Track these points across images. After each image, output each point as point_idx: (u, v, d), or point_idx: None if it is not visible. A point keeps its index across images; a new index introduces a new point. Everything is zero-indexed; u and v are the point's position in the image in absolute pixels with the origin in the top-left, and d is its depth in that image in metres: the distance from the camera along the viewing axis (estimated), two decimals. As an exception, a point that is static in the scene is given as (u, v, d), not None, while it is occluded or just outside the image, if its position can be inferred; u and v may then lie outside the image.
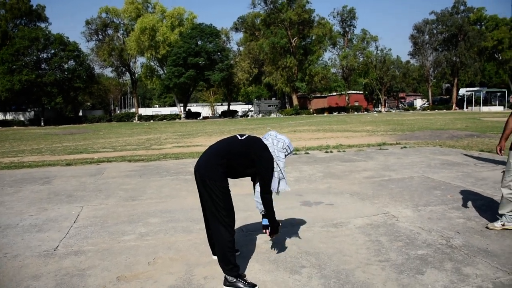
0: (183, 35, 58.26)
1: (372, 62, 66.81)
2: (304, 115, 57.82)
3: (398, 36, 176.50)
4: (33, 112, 58.26)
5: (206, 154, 3.41)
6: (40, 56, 54.20)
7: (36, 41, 51.60)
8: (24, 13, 58.02)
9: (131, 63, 65.89)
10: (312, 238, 4.32)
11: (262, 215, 3.68)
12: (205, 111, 76.53)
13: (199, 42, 57.76)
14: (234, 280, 3.18)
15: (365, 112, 62.92)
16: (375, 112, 63.97)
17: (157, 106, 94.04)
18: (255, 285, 3.18)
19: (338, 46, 70.19)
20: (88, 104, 77.76)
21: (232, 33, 73.38)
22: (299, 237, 4.35)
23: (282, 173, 3.52)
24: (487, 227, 4.32)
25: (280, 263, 3.66)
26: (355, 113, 61.42)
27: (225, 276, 3.23)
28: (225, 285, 3.21)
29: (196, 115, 63.00)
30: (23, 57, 51.63)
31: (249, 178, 3.75)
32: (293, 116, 55.97)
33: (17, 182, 8.15)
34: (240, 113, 68.77)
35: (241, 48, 70.82)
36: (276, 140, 3.52)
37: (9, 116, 57.14)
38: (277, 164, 3.48)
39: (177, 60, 55.89)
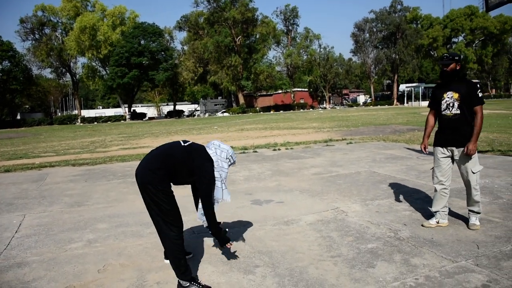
0: (125, 35, 56.91)
1: (315, 60, 68.32)
2: (250, 113, 58.17)
3: (340, 34, 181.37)
4: (-36, 116, 54.81)
5: (146, 159, 3.32)
6: (-29, 57, 51.07)
7: (-35, 41, 48.55)
8: (-49, 11, 54.31)
9: (72, 64, 63.56)
10: (264, 236, 4.33)
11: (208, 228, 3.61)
12: (150, 111, 75.18)
13: (142, 42, 56.70)
14: (188, 284, 3.13)
15: (311, 109, 64.17)
16: (320, 109, 65.41)
17: (101, 107, 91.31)
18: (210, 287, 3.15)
19: (282, 44, 71.33)
20: (27, 106, 74.14)
21: (175, 32, 72.53)
22: (251, 237, 4.35)
23: (224, 183, 3.49)
24: (422, 225, 4.48)
25: (234, 264, 3.65)
26: (301, 110, 62.50)
27: (178, 281, 3.17)
28: (179, 289, 3.15)
29: (142, 115, 61.76)
30: (-49, 58, 48.44)
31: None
32: (239, 114, 56.14)
33: (-51, 192, 7.61)
34: (186, 113, 68.17)
35: (185, 47, 70.14)
36: (219, 149, 3.49)
37: None
38: (220, 175, 3.44)
39: (119, 60, 54.52)
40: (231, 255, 3.83)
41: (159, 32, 59.55)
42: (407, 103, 61.75)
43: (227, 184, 3.55)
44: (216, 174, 3.42)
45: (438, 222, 4.46)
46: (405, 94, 63.10)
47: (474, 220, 4.37)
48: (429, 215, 4.82)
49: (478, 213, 4.38)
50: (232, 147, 12.43)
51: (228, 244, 3.49)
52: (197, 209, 3.66)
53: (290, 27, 72.69)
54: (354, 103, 74.67)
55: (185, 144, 3.41)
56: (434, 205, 4.51)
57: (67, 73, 65.31)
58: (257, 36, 63.61)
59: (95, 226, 4.96)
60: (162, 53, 58.84)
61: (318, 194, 6.15)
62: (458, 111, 4.24)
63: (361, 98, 79.60)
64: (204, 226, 3.64)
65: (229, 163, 3.53)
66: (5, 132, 39.33)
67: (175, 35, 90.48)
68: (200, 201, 3.50)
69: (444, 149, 4.41)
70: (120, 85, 56.07)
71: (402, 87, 66.82)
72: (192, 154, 3.35)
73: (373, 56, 69.06)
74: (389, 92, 75.99)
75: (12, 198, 6.79)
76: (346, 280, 3.23)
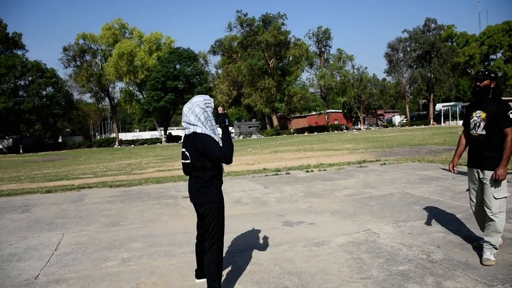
0: (161, 60, 58.58)
1: (349, 81, 68.02)
2: (284, 135, 58.21)
3: (373, 54, 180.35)
4: (11, 139, 57.33)
5: (191, 181, 3.41)
6: (18, 83, 53.77)
7: (13, 69, 51.21)
8: (0, 41, 57.55)
9: (110, 88, 65.81)
10: (294, 257, 4.34)
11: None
12: (186, 134, 76.33)
13: (177, 66, 58.16)
14: (219, 302, 3.18)
15: (345, 130, 63.66)
16: (354, 130, 64.79)
17: (138, 130, 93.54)
18: (239, 307, 3.19)
19: (315, 66, 71.50)
20: (68, 130, 76.91)
21: (209, 56, 74.03)
22: (282, 258, 4.36)
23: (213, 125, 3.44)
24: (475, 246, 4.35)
25: (263, 285, 3.67)
26: (335, 131, 62.09)
27: (210, 300, 3.22)
28: (210, 308, 3.20)
29: (177, 138, 62.86)
30: (0, 84, 51.03)
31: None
32: (273, 136, 56.28)
33: (-6, 212, 7.98)
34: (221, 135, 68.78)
35: (219, 71, 71.37)
36: (192, 112, 3.39)
37: (-14, 144, 56.12)
38: (211, 127, 3.41)
39: (156, 84, 56.05)
40: (260, 275, 3.86)
41: (193, 56, 61.00)
42: (444, 122, 60.39)
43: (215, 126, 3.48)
44: (209, 131, 3.38)
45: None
46: (442, 114, 61.76)
47: (488, 254, 3.94)
48: (464, 236, 4.71)
49: (495, 247, 3.96)
50: (265, 168, 12.50)
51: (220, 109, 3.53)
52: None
53: (322, 49, 72.92)
54: (389, 123, 73.53)
55: (188, 143, 3.40)
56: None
57: (106, 98, 67.65)
58: (290, 59, 64.15)
59: (129, 246, 5.09)
60: (197, 76, 60.14)
61: (350, 215, 6.10)
62: (484, 132, 4.06)
63: (397, 118, 78.38)
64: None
65: (206, 106, 3.42)
66: (48, 154, 40.86)
67: (209, 59, 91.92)
68: None
69: (472, 170, 4.26)
70: (156, 108, 57.49)
71: (439, 106, 65.46)
72: (194, 142, 3.33)
73: (407, 75, 68.09)
74: (425, 112, 74.49)
75: (52, 218, 7.06)
76: (376, 302, 3.20)
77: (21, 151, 52.34)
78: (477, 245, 4.34)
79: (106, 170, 17.11)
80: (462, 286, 3.41)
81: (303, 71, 68.71)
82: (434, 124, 61.99)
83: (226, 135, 3.41)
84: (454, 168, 4.49)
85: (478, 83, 4.12)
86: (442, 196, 7.14)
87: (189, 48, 60.77)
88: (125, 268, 4.27)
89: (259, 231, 5.46)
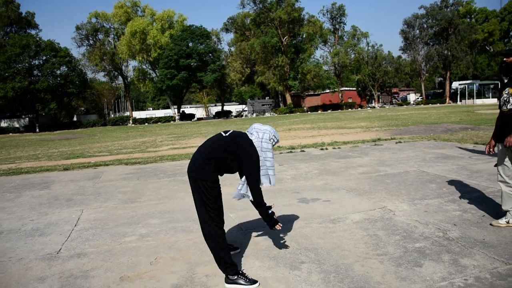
0: (174, 38, 58.31)
1: (363, 58, 67.05)
2: (298, 113, 58.00)
3: (389, 31, 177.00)
4: (27, 118, 58.16)
5: (196, 155, 3.46)
6: (32, 63, 54.15)
7: (27, 48, 51.51)
8: (13, 20, 57.88)
9: (123, 67, 65.87)
10: (310, 234, 4.38)
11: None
12: (199, 112, 76.56)
13: (190, 44, 57.87)
14: (235, 277, 3.23)
15: (359, 109, 63.13)
16: (369, 108, 64.21)
17: (151, 108, 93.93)
18: (256, 281, 3.24)
19: (329, 43, 70.42)
20: (82, 109, 77.56)
21: (222, 34, 73.63)
22: (298, 234, 4.41)
23: (270, 166, 3.51)
24: (491, 224, 4.32)
25: (280, 260, 3.72)
26: (349, 109, 61.62)
27: (226, 275, 3.28)
28: (226, 282, 3.26)
29: (191, 116, 63.02)
30: (15, 64, 51.53)
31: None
32: (287, 114, 56.12)
33: (16, 188, 8.16)
34: (234, 113, 68.85)
35: (232, 49, 70.81)
36: (261, 132, 3.53)
37: (4, 124, 57.00)
38: (265, 157, 3.47)
39: (168, 62, 55.95)
40: (277, 250, 3.91)
41: (206, 34, 60.57)
42: (460, 101, 59.48)
43: (273, 166, 3.55)
44: (261, 159, 3.47)
45: (508, 222, 4.27)
46: (458, 92, 60.78)
47: (502, 218, 4.29)
48: (481, 215, 4.69)
49: None
50: (279, 146, 12.50)
51: (278, 226, 3.56)
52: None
53: (337, 26, 71.68)
54: (404, 101, 72.62)
55: (227, 134, 3.50)
56: (504, 204, 4.33)
57: (119, 76, 67.83)
58: (304, 36, 63.28)
59: (147, 222, 5.18)
60: (210, 54, 59.81)
61: (366, 193, 6.11)
62: None
63: (412, 97, 77.35)
64: (237, 199, 3.69)
65: (273, 143, 3.55)
66: (63, 133, 41.37)
67: (222, 37, 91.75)
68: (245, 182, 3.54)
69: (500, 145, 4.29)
70: (169, 86, 57.51)
71: (455, 84, 64.37)
72: (235, 140, 3.44)
73: (423, 53, 66.80)
74: (441, 90, 73.27)
75: (71, 194, 7.20)
76: (392, 278, 3.22)
77: (37, 130, 53.08)
78: (496, 224, 4.33)
79: (121, 148, 17.29)
80: (479, 264, 3.42)
81: (317, 49, 67.76)
82: (450, 103, 61.11)
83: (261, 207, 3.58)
84: (491, 149, 4.45)
85: (505, 59, 4.17)
86: (459, 174, 7.08)
87: (201, 26, 60.36)
88: (143, 243, 4.35)
89: (274, 207, 5.48)
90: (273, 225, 3.57)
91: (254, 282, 3.23)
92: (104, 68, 63.92)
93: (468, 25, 62.32)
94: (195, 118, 63.42)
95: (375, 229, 4.43)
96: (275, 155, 11.15)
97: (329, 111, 60.64)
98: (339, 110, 60.81)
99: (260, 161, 3.48)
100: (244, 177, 3.52)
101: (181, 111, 64.63)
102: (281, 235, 4.34)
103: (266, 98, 75.60)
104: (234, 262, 3.35)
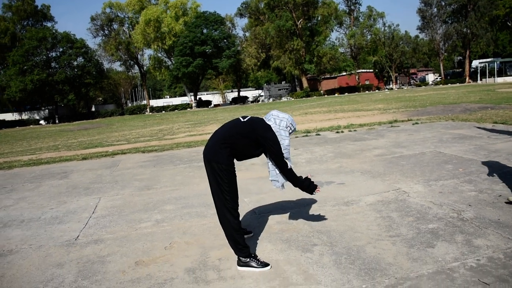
0: (188, 25, 58.24)
1: (380, 39, 65.94)
2: (314, 97, 57.62)
3: (406, 10, 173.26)
4: (47, 110, 59.16)
5: (212, 139, 3.49)
6: (49, 55, 54.96)
7: (44, 41, 52.23)
8: (30, 14, 58.59)
9: (139, 56, 66.28)
10: (323, 217, 4.39)
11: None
12: (216, 98, 76.64)
13: (205, 31, 57.74)
14: (247, 260, 3.28)
15: (376, 91, 62.36)
16: (386, 90, 63.37)
17: (168, 96, 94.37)
18: (268, 264, 3.28)
19: (344, 25, 69.50)
20: (100, 99, 78.48)
21: (236, 19, 73.10)
22: (311, 217, 4.43)
23: (287, 152, 3.55)
24: (508, 200, 4.27)
25: (292, 242, 3.75)
26: (366, 92, 60.92)
27: (238, 257, 3.33)
28: (238, 265, 3.31)
29: (207, 103, 63.17)
30: (33, 57, 52.34)
31: (262, 162, 3.77)
32: (303, 98, 55.82)
33: (36, 178, 8.36)
34: (250, 99, 68.76)
35: (247, 34, 70.51)
36: (278, 119, 3.54)
37: (24, 116, 58.17)
38: (282, 143, 3.50)
39: (183, 50, 56.00)
40: (290, 233, 3.94)
41: (220, 20, 60.32)
42: (480, 80, 58.12)
43: (289, 153, 3.58)
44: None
45: None
46: (479, 71, 59.37)
47: None
48: (497, 195, 4.63)
49: None
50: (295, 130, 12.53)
51: (317, 189, 3.63)
52: (269, 172, 3.71)
53: (352, 7, 70.54)
54: (423, 82, 71.30)
55: (245, 120, 3.52)
56: None
57: (135, 65, 68.28)
58: (319, 18, 62.51)
59: (162, 208, 5.27)
60: (225, 40, 59.63)
61: (380, 175, 6.08)
62: None
63: (430, 77, 75.86)
64: (277, 187, 3.74)
65: (290, 131, 3.57)
66: (82, 123, 41.97)
67: (237, 22, 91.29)
68: (270, 165, 3.60)
69: None
70: (185, 74, 57.63)
71: (475, 63, 62.82)
72: (253, 125, 3.46)
73: (442, 31, 65.24)
74: (460, 70, 71.76)
75: (89, 183, 7.34)
76: (404, 259, 3.22)
77: (57, 121, 53.99)
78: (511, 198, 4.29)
79: (139, 136, 17.49)
80: (492, 244, 3.39)
81: (332, 31, 66.98)
82: (470, 82, 59.81)
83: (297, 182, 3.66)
84: None
85: None
86: (476, 155, 6.98)
87: (215, 12, 60.08)
88: (159, 229, 4.43)
89: (288, 191, 5.50)
90: (312, 190, 3.63)
91: (266, 265, 3.27)
92: (120, 57, 64.42)
93: (488, 1, 60.49)
94: (212, 105, 63.57)
95: (388, 211, 4.42)
96: (291, 139, 11.15)
97: (346, 94, 60.04)
98: (356, 93, 60.15)
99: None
100: (270, 164, 3.58)
101: (197, 98, 64.81)
102: (294, 218, 4.37)
103: (283, 82, 75.30)
104: (247, 245, 3.39)
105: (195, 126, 21.04)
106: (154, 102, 74.27)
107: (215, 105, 63.59)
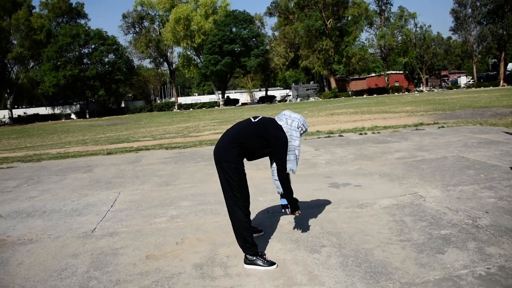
0: (217, 23, 58.65)
1: (411, 40, 64.81)
2: (342, 97, 57.14)
3: (438, 11, 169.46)
4: (78, 105, 60.71)
5: (222, 138, 3.54)
6: (82, 52, 56.43)
7: (77, 37, 53.67)
8: (65, 11, 60.22)
9: (168, 54, 67.19)
10: (336, 218, 4.38)
11: (280, 195, 3.76)
12: (243, 97, 76.87)
13: (234, 29, 58.02)
14: (254, 258, 3.31)
15: (406, 93, 61.31)
16: (416, 92, 62.22)
17: (196, 94, 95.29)
18: (274, 263, 3.31)
19: (375, 25, 68.73)
20: (130, 95, 79.89)
21: (266, 18, 73.23)
22: (323, 218, 4.43)
23: (296, 153, 3.56)
24: None
25: (301, 243, 3.77)
26: (396, 94, 59.98)
27: (245, 255, 3.37)
28: (245, 263, 3.35)
29: (235, 101, 63.48)
30: (66, 53, 53.89)
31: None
32: (331, 99, 55.43)
33: (62, 171, 8.63)
34: (278, 98, 68.71)
35: (276, 33, 70.46)
36: (290, 119, 3.56)
37: (57, 110, 59.87)
38: (293, 144, 3.52)
39: (212, 48, 56.41)
40: (300, 234, 3.96)
41: (250, 19, 60.50)
42: (515, 83, 56.37)
43: (299, 153, 3.61)
44: (289, 145, 3.52)
45: None
46: (514, 74, 57.59)
47: None
48: (516, 202, 4.52)
49: None
50: (318, 131, 12.46)
51: (297, 212, 3.67)
52: (272, 172, 3.77)
53: (383, 7, 69.67)
54: (454, 85, 69.66)
55: (256, 120, 3.56)
56: None
57: (165, 63, 69.27)
58: (349, 18, 61.95)
59: (179, 204, 5.36)
60: (253, 39, 59.77)
61: (398, 178, 6.01)
62: None
63: (463, 80, 74.01)
64: (278, 192, 3.78)
65: (301, 131, 3.59)
66: (111, 119, 42.86)
67: (266, 21, 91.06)
68: (274, 164, 3.65)
69: None
70: (214, 72, 58.08)
71: (511, 66, 61.02)
72: (265, 125, 3.50)
73: (476, 33, 63.61)
74: (494, 72, 69.70)
75: (111, 177, 7.52)
76: (411, 264, 3.19)
77: (87, 116, 55.32)
78: None
79: (165, 133, 17.76)
80: (506, 253, 3.31)
81: (362, 31, 66.24)
82: (504, 85, 58.04)
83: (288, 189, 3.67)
84: None
85: None
86: (500, 161, 6.80)
87: (245, 11, 60.30)
88: (172, 224, 4.52)
89: (304, 192, 5.53)
90: (294, 210, 3.67)
91: (272, 263, 3.30)
92: (150, 55, 65.47)
93: (526, 1, 58.58)
94: (239, 103, 63.85)
95: (402, 214, 4.38)
96: (312, 140, 11.13)
97: (374, 95, 59.25)
98: (385, 94, 59.30)
99: (288, 147, 3.53)
100: (274, 164, 3.63)
101: (225, 97, 65.22)
102: (306, 219, 4.38)
103: (311, 82, 74.94)
104: (255, 243, 3.42)
105: (221, 124, 21.20)
106: (183, 100, 75.11)
107: (243, 104, 63.84)
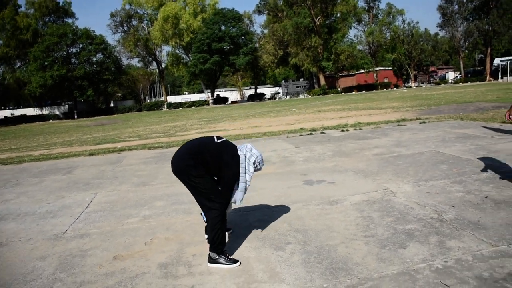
0: (206, 21, 58.53)
1: (399, 37, 65.21)
2: (332, 94, 57.32)
3: (426, 8, 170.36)
4: (67, 105, 60.24)
5: (180, 150, 3.57)
6: (69, 51, 56.01)
7: (64, 37, 53.23)
8: (51, 10, 59.71)
9: (157, 52, 67.04)
10: (305, 215, 4.44)
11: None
12: (233, 95, 76.90)
13: (222, 27, 57.92)
14: (217, 256, 3.35)
15: (394, 89, 61.66)
16: (404, 88, 62.61)
17: (187, 93, 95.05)
18: (237, 261, 3.35)
19: (363, 22, 68.97)
20: (119, 95, 79.47)
21: (254, 16, 73.38)
22: (292, 215, 4.48)
23: (246, 186, 3.57)
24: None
25: (267, 241, 3.81)
26: (384, 90, 60.29)
27: (209, 254, 3.40)
28: (208, 261, 3.38)
29: (224, 100, 63.47)
30: (53, 53, 53.41)
31: None
32: (320, 96, 55.59)
33: (42, 173, 8.60)
34: (268, 96, 68.77)
35: (265, 31, 70.42)
36: (249, 153, 3.57)
37: (45, 111, 59.35)
38: (245, 177, 3.54)
39: (201, 46, 56.29)
40: (267, 231, 4.00)
41: (238, 17, 60.44)
42: (501, 78, 56.92)
43: (247, 187, 3.62)
44: (241, 177, 3.53)
45: None
46: (500, 69, 58.17)
47: None
48: (484, 196, 4.61)
49: None
50: (301, 128, 12.52)
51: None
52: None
53: (371, 4, 69.83)
54: (442, 80, 70.18)
55: (218, 141, 3.57)
56: None
57: (153, 62, 69.03)
58: (337, 15, 62.11)
59: (153, 204, 5.39)
60: (242, 37, 59.74)
61: (372, 174, 6.08)
62: None
63: (451, 75, 74.59)
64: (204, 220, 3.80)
65: (256, 168, 3.59)
66: (100, 119, 42.62)
67: (255, 19, 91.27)
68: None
69: None
70: (202, 70, 57.97)
71: (497, 61, 61.59)
72: (222, 150, 3.50)
73: (462, 29, 64.17)
74: (481, 68, 70.38)
75: (90, 178, 7.52)
76: (372, 260, 3.25)
77: (75, 116, 54.94)
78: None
79: (151, 132, 17.73)
80: (465, 246, 3.38)
81: (351, 28, 66.38)
82: (490, 80, 58.62)
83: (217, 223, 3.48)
84: (511, 116, 4.61)
85: None
86: (474, 155, 6.90)
87: (233, 9, 60.25)
88: (144, 225, 4.55)
89: (278, 189, 5.58)
90: (216, 249, 3.43)
91: (235, 261, 3.34)
92: (138, 54, 65.22)
93: (511, -3, 59.20)
94: (229, 102, 63.81)
95: (370, 210, 4.44)
96: (294, 137, 11.19)
97: (363, 91, 59.53)
98: (374, 91, 59.61)
99: (240, 180, 3.54)
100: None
101: (215, 95, 65.14)
102: (275, 217, 4.43)
103: (301, 80, 75.09)
104: (224, 243, 3.46)
105: (208, 123, 21.20)
106: (172, 98, 74.94)
107: (233, 102, 63.82)
